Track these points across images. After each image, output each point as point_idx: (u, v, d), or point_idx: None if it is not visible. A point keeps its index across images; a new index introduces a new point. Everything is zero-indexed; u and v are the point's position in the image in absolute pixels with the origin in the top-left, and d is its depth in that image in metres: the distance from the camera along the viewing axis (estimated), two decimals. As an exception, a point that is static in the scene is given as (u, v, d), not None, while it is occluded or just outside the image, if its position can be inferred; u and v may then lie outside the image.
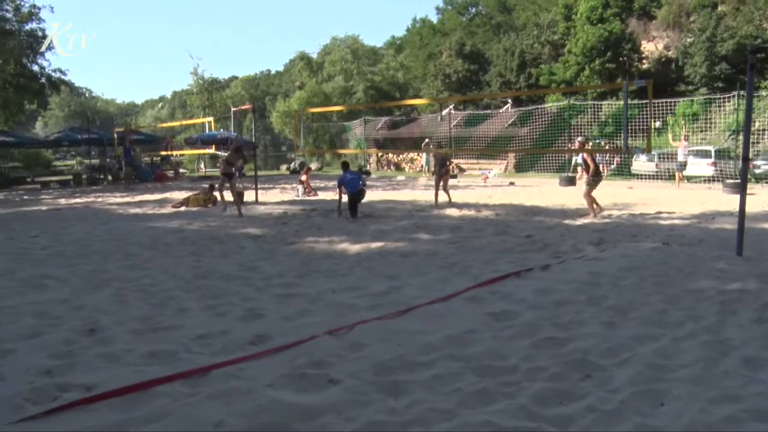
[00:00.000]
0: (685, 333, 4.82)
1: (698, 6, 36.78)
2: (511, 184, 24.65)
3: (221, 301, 6.02)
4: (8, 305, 5.86)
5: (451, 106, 37.62)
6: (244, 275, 7.28)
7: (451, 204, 15.20)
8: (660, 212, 13.19)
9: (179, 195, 19.04)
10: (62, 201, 19.47)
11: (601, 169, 13.25)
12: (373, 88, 52.47)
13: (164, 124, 52.49)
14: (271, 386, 3.80)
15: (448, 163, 16.45)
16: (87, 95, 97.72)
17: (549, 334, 4.81)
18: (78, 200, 19.57)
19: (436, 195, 15.57)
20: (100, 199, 19.65)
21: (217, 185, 14.93)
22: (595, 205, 12.61)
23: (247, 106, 24.62)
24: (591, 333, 4.84)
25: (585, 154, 12.95)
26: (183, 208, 15.71)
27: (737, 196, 8.31)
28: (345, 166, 14.15)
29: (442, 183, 15.57)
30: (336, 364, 4.16)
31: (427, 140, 33.55)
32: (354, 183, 13.34)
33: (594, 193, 12.62)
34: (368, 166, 40.50)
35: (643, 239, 9.54)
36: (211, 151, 24.86)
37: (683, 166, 21.32)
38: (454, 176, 28.77)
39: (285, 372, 4.02)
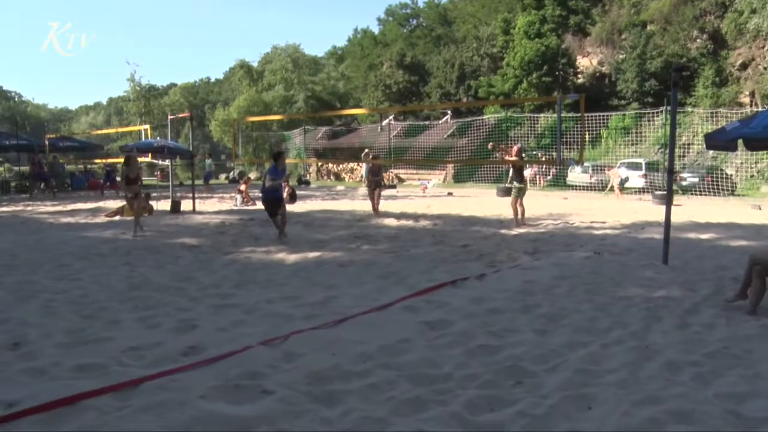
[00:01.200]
0: (612, 339, 4.98)
1: (629, 24, 38.18)
2: (450, 194, 24.97)
3: (155, 312, 5.90)
4: (-73, 319, 5.60)
5: (391, 117, 37.91)
6: (179, 286, 7.15)
7: (379, 214, 15.46)
8: (593, 222, 13.59)
9: (114, 204, 18.55)
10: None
11: (526, 177, 13.57)
12: (313, 97, 52.49)
13: (99, 131, 51.18)
14: (204, 398, 3.74)
15: (382, 173, 16.65)
16: (16, 99, 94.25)
17: (482, 341, 4.90)
18: (5, 209, 18.84)
19: (373, 204, 15.84)
20: (29, 208, 18.96)
21: (129, 204, 13.02)
22: (520, 216, 12.98)
23: (185, 114, 24.22)
24: (523, 340, 4.95)
25: (514, 162, 13.27)
26: (117, 218, 15.32)
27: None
28: (275, 157, 11.75)
29: (377, 192, 15.88)
30: (270, 375, 4.13)
31: (367, 150, 33.67)
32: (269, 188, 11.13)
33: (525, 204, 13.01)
34: (308, 175, 40.39)
35: (577, 248, 9.81)
36: (148, 159, 24.33)
37: (623, 182, 22.22)
38: (393, 186, 28.99)
39: (218, 383, 3.97)
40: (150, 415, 3.49)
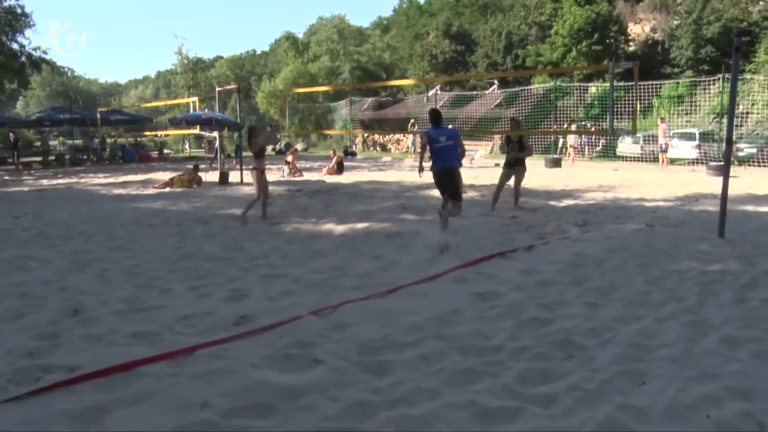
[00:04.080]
0: (666, 314, 4.86)
1: (685, -12, 36.80)
2: (497, 165, 24.59)
3: (205, 281, 6.00)
4: (-10, 286, 5.81)
5: (437, 87, 37.49)
6: (229, 256, 7.26)
7: None
8: (644, 194, 13.26)
9: (163, 176, 18.90)
10: (45, 182, 19.28)
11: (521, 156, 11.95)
12: (359, 68, 52.23)
13: (148, 104, 52.06)
14: (256, 366, 3.80)
15: None
16: (69, 75, 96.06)
17: (533, 314, 4.84)
18: (61, 181, 19.39)
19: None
20: (83, 180, 19.48)
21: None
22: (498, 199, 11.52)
23: (232, 86, 24.42)
24: (574, 313, 4.87)
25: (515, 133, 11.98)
26: (167, 189, 15.62)
27: (720, 179, 8.36)
28: (433, 116, 8.88)
29: None
30: (320, 344, 4.16)
31: (413, 121, 33.50)
32: (446, 152, 8.06)
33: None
34: (354, 146, 40.38)
35: (627, 221, 9.59)
36: (196, 131, 24.64)
37: (665, 147, 21.51)
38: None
39: (269, 352, 4.02)
40: (203, 382, 3.56)
